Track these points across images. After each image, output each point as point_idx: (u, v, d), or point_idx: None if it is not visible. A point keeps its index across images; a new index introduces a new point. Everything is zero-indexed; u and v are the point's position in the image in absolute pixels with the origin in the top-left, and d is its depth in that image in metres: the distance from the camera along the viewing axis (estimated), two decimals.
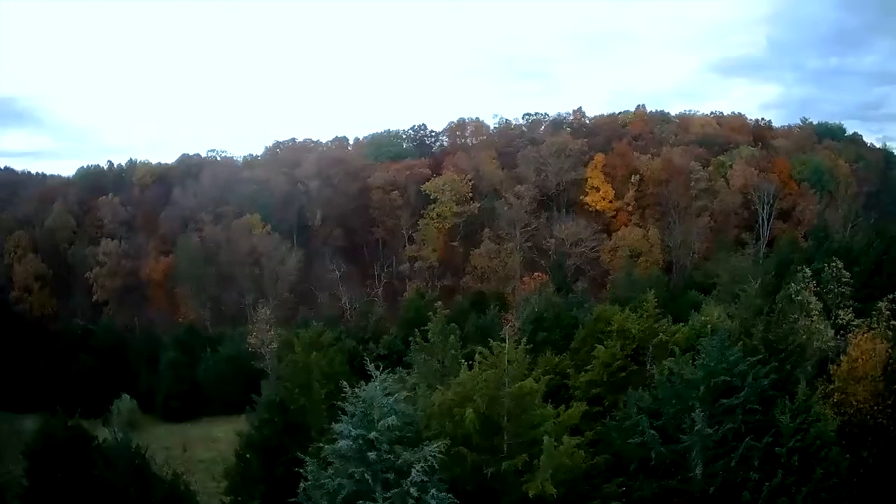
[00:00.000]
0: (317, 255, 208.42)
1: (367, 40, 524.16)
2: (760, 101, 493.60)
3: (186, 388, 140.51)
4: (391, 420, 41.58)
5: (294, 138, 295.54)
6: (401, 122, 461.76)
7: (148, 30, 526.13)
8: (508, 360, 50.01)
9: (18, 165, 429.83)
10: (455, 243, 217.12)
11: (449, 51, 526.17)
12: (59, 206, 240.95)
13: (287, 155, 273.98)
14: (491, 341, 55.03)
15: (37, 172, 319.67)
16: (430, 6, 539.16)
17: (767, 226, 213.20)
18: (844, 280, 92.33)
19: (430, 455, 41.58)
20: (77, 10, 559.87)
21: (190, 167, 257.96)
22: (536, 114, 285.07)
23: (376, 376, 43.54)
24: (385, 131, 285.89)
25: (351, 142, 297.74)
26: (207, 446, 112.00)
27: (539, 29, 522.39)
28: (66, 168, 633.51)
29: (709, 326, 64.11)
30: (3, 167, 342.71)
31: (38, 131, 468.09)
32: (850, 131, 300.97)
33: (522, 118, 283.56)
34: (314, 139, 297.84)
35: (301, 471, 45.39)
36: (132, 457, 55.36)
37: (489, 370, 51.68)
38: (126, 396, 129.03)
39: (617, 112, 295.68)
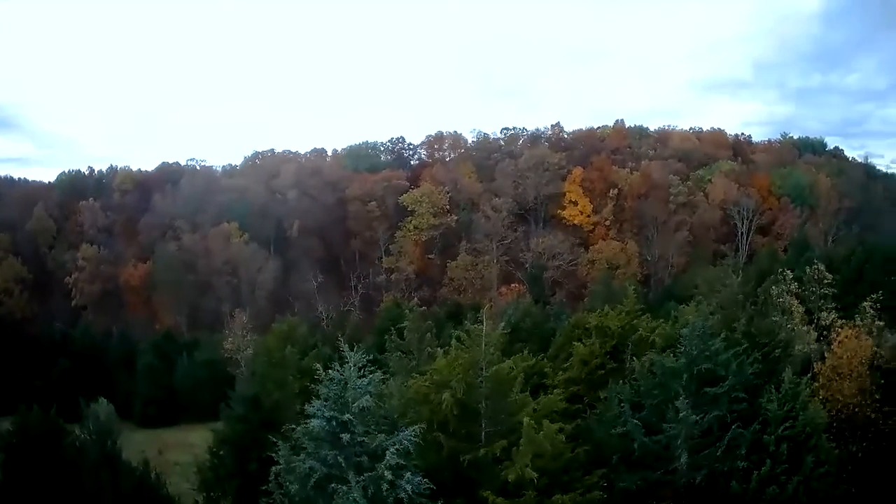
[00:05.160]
0: (294, 265, 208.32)
1: (348, 52, 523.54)
2: (742, 119, 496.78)
3: (163, 394, 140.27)
4: (365, 401, 40.84)
5: (273, 149, 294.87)
6: (379, 135, 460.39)
7: (131, 38, 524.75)
8: (486, 343, 48.87)
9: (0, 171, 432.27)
10: (432, 255, 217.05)
11: (427, 65, 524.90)
12: (39, 210, 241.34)
13: (266, 165, 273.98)
14: (467, 324, 54.11)
15: (19, 178, 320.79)
16: (409, 20, 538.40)
17: (746, 240, 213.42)
18: (826, 282, 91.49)
19: (406, 440, 40.89)
20: (60, 18, 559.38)
21: (169, 175, 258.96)
22: (514, 128, 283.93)
23: (350, 357, 42.48)
24: (363, 143, 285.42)
25: (329, 153, 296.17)
26: (183, 450, 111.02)
27: (518, 44, 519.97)
28: (48, 175, 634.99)
29: (689, 317, 63.25)
30: None
31: (21, 138, 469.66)
32: (830, 147, 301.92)
33: (501, 132, 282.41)
34: (293, 150, 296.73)
35: (273, 455, 44.41)
36: (103, 446, 54.43)
37: (466, 354, 50.52)
38: (103, 401, 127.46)
39: (595, 126, 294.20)
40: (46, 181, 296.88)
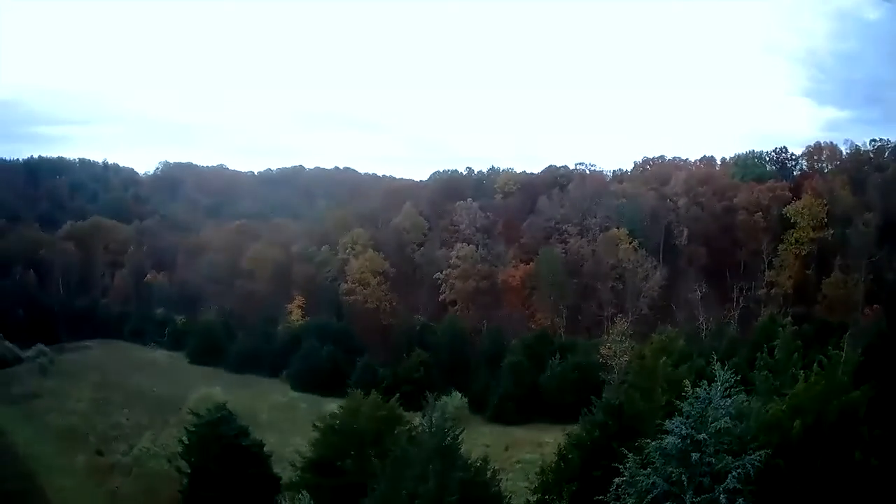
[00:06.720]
0: (680, 274, 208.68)
1: (727, 60, 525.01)
2: None
3: (524, 392, 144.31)
4: (723, 422, 43.37)
5: (663, 155, 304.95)
6: (762, 144, 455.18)
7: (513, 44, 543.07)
8: (842, 370, 49.13)
9: (363, 168, 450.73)
10: (809, 271, 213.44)
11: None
12: (408, 207, 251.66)
13: (656, 171, 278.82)
14: (830, 348, 54.19)
15: (383, 174, 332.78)
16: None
17: None
18: None
19: (750, 464, 42.74)
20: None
21: (556, 178, 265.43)
22: (880, 139, 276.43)
23: (719, 376, 45.13)
24: (749, 152, 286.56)
25: (718, 161, 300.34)
26: (531, 449, 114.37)
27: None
28: (418, 174, 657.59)
29: None
30: (343, 167, 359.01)
31: (389, 139, 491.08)
32: None
33: (870, 143, 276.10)
34: (682, 157, 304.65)
35: (619, 466, 47.11)
36: (440, 438, 55.96)
37: (823, 381, 51.77)
38: (457, 394, 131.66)
39: None
40: (417, 179, 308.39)
